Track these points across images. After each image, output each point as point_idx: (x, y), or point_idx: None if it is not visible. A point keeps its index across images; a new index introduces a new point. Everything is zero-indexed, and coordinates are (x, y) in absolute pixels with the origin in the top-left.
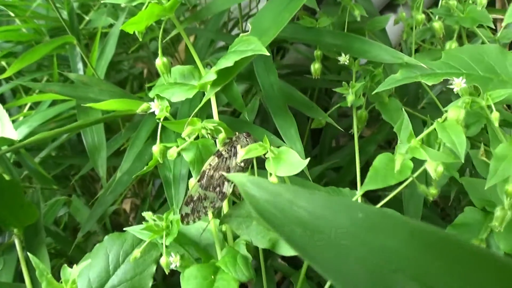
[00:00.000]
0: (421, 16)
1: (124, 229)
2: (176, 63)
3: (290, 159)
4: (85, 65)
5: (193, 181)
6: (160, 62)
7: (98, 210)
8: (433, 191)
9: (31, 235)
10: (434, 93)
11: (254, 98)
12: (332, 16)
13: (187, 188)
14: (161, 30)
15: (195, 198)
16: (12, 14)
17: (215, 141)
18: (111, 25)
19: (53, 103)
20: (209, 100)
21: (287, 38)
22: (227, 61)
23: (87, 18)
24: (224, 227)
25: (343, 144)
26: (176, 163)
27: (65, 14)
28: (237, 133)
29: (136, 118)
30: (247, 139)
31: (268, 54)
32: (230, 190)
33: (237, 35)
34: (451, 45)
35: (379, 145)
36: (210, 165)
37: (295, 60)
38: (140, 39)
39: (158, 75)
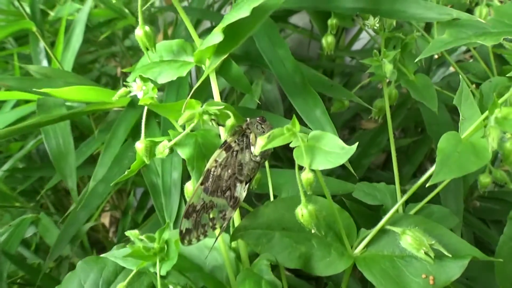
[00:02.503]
0: None
1: (102, 255)
2: None
3: (329, 146)
4: (50, 62)
5: (190, 186)
6: (141, 32)
7: (69, 230)
8: (486, 180)
9: None
10: (440, 74)
11: (255, 83)
12: None
13: (182, 196)
14: None
15: (198, 207)
16: None
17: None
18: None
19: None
20: (206, 82)
21: (294, 7)
22: (239, 12)
23: (52, 14)
24: (235, 244)
25: (346, 138)
26: (165, 165)
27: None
28: (248, 119)
29: (110, 116)
30: (262, 126)
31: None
32: (244, 193)
33: None
34: (481, 10)
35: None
36: (216, 161)
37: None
38: None
39: None
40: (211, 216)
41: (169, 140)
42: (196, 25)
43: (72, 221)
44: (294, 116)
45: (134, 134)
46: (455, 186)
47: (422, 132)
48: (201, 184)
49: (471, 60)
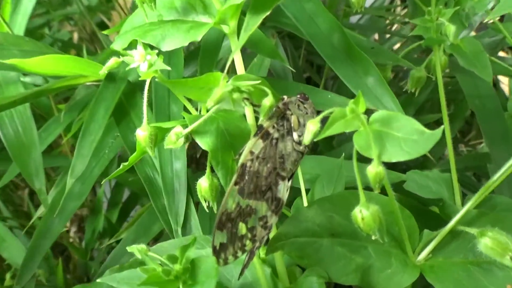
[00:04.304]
0: None
1: (99, 280)
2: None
3: (404, 131)
4: None
5: (204, 183)
6: None
7: (42, 243)
8: None
9: None
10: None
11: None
12: None
13: (189, 193)
14: None
15: (233, 214)
16: None
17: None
18: None
19: None
20: (212, 48)
21: None
22: None
23: None
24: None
25: None
26: (163, 154)
27: None
28: (285, 97)
29: (79, 93)
30: (305, 105)
31: None
32: (287, 193)
33: None
34: None
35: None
36: (252, 153)
37: None
38: None
39: (93, 40)
40: (249, 225)
41: (185, 126)
42: None
43: (44, 231)
44: (359, 93)
45: (117, 117)
46: None
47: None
48: (235, 184)
49: None
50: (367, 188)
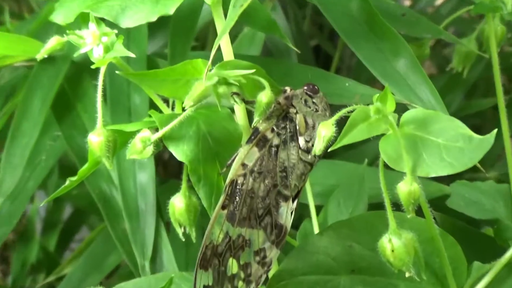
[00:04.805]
0: None
1: None
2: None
3: (445, 136)
4: None
5: (179, 203)
6: None
7: None
8: None
9: None
10: None
11: None
12: None
13: (158, 214)
14: None
15: (221, 248)
16: None
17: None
18: None
19: None
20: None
21: None
22: None
23: None
24: None
25: None
26: (123, 162)
27: None
28: (287, 88)
29: (3, 78)
30: (314, 100)
31: None
32: (291, 217)
33: None
34: None
35: None
36: (244, 166)
37: None
38: None
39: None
40: (242, 261)
41: (153, 130)
42: None
43: None
44: (387, 88)
45: (58, 110)
46: None
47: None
48: (223, 207)
49: None
50: (397, 205)
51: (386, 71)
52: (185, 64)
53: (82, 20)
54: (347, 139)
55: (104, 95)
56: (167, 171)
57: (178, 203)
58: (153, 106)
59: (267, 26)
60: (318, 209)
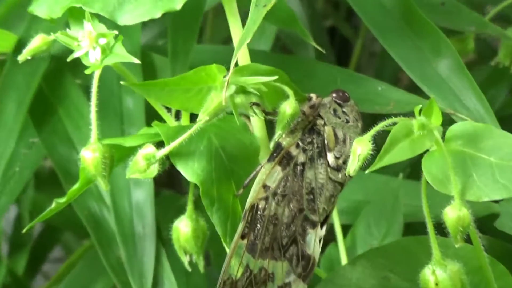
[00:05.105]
0: None
1: None
2: None
3: (499, 153)
4: None
5: (185, 227)
6: None
7: None
8: None
9: None
10: None
11: None
12: None
13: (158, 239)
14: None
15: (241, 283)
16: None
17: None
18: None
19: None
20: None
21: None
22: None
23: None
24: None
25: None
26: (115, 178)
27: None
28: (313, 96)
29: None
30: (344, 109)
31: None
32: (319, 246)
33: None
34: None
35: None
36: (266, 188)
37: None
38: None
39: None
40: None
41: (158, 146)
42: None
43: None
44: (432, 100)
45: (35, 114)
46: None
47: None
48: (242, 237)
49: None
50: (437, 225)
51: (426, 73)
52: (198, 71)
53: (70, 15)
54: (387, 159)
55: (90, 97)
56: (155, 179)
57: (183, 228)
58: (148, 110)
59: (286, 20)
60: (344, 229)
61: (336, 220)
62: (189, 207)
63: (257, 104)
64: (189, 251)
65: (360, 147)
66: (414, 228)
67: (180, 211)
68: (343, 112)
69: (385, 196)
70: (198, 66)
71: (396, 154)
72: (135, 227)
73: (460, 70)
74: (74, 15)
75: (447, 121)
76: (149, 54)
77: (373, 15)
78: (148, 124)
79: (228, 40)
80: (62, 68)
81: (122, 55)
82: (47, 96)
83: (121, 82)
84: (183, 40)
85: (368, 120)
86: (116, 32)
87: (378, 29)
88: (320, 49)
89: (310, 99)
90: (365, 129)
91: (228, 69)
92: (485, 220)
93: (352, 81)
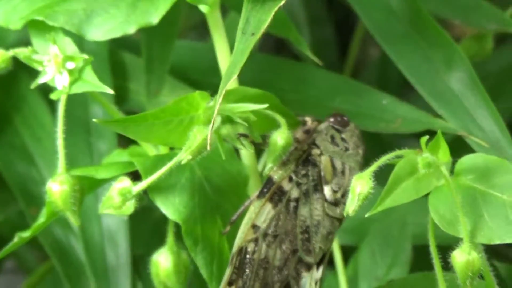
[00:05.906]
0: None
1: None
2: None
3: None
4: None
5: (165, 261)
6: None
7: None
8: None
9: None
10: None
11: None
12: None
13: (134, 271)
14: None
15: None
16: None
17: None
18: None
19: None
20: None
21: None
22: None
23: None
24: None
25: None
26: (85, 200)
27: None
28: (308, 120)
29: None
30: (343, 135)
31: None
32: None
33: None
34: None
35: None
36: (255, 228)
37: None
38: None
39: None
40: None
41: (134, 179)
42: None
43: None
44: (439, 134)
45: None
46: None
47: None
48: (230, 284)
49: None
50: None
51: (436, 88)
52: (178, 101)
53: (31, 26)
54: (389, 201)
55: (51, 105)
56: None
57: (163, 262)
58: None
59: (280, 26)
60: (346, 256)
61: (337, 250)
62: (170, 238)
63: (245, 135)
64: (170, 287)
65: (360, 185)
66: (423, 251)
67: (156, 227)
68: (342, 138)
69: (391, 217)
70: (174, 65)
71: (400, 195)
72: (107, 257)
73: (475, 85)
74: (36, 26)
75: (458, 142)
76: (119, 53)
77: (378, 21)
78: (120, 135)
79: (202, 24)
80: (18, 73)
81: (93, 82)
82: (0, 103)
83: (94, 120)
84: (160, 45)
85: (371, 139)
86: (85, 56)
87: (384, 37)
88: (317, 60)
89: (304, 123)
90: (367, 150)
91: (212, 95)
92: (501, 245)
93: (354, 92)
